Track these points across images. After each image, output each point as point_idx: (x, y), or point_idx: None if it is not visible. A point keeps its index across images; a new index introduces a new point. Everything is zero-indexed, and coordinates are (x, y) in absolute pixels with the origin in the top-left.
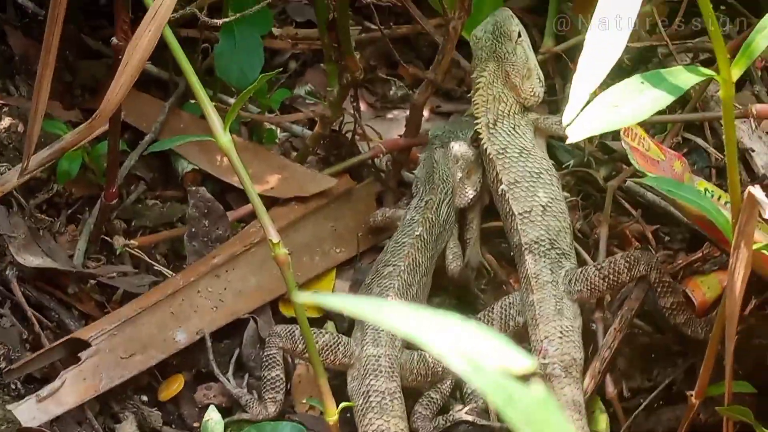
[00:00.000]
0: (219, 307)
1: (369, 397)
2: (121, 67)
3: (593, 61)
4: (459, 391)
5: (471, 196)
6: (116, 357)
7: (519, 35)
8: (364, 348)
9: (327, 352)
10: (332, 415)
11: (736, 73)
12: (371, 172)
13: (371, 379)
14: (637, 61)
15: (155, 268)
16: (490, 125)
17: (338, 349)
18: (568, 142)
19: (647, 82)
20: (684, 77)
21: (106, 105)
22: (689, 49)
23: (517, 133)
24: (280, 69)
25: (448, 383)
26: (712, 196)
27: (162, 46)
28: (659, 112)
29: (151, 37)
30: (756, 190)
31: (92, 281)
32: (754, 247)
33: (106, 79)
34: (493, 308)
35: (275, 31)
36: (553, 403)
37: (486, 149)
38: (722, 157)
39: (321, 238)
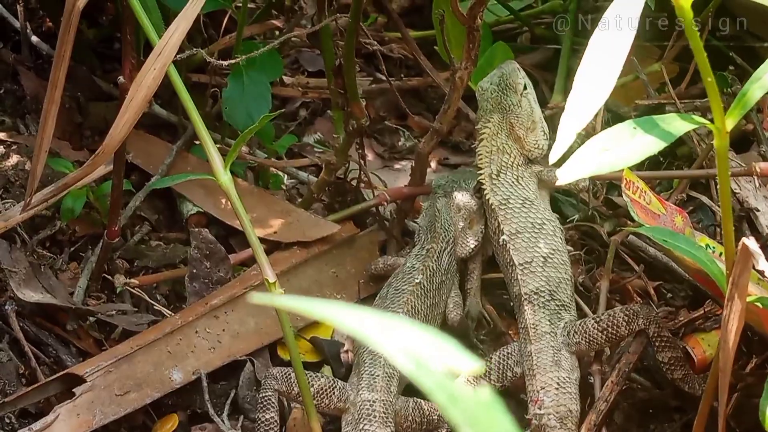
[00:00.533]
0: (216, 348)
1: None
2: (124, 105)
3: (582, 100)
4: None
5: (472, 246)
6: (111, 394)
7: (525, 87)
8: (360, 393)
9: (322, 396)
10: None
11: (730, 123)
12: (375, 221)
13: (365, 424)
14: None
15: (155, 307)
16: (493, 176)
17: (333, 393)
18: (557, 184)
19: (639, 127)
20: (676, 124)
21: (109, 142)
22: (697, 108)
23: (520, 184)
24: (281, 111)
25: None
26: (713, 251)
27: (173, 90)
28: (663, 167)
29: (156, 76)
30: (750, 242)
31: (91, 319)
32: (749, 299)
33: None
34: (491, 358)
35: (286, 79)
36: (499, 406)
37: (488, 200)
38: None
39: (322, 284)
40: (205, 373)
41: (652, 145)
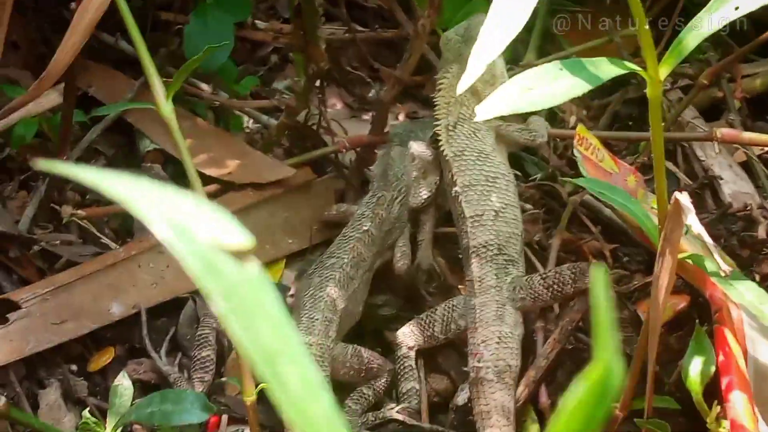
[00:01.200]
0: (159, 284)
1: None
2: (70, 28)
3: (495, 32)
4: (395, 391)
5: (425, 197)
6: (46, 322)
7: None
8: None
9: None
10: (250, 395)
11: (663, 72)
12: (334, 168)
13: None
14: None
15: (102, 241)
16: (450, 127)
17: None
18: (476, 119)
19: (565, 69)
20: (605, 68)
21: (54, 65)
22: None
23: (476, 137)
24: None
25: (382, 381)
26: None
27: (143, 28)
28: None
29: (102, 1)
30: (682, 197)
31: (36, 247)
32: (680, 256)
33: (85, 55)
34: (436, 310)
35: (260, 24)
36: (267, 284)
37: (443, 151)
38: (691, 183)
39: (273, 227)
40: (144, 308)
41: (577, 87)
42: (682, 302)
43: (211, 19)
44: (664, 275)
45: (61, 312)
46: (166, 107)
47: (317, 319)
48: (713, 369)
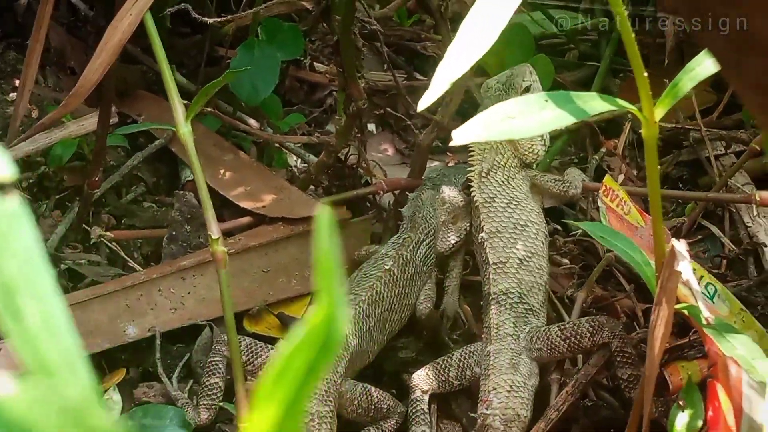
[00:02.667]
0: (178, 310)
1: None
2: (99, 48)
3: (461, 51)
4: None
5: (453, 242)
6: None
7: (527, 89)
8: None
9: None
10: (243, 422)
11: (659, 113)
12: (374, 209)
13: None
14: (669, 142)
15: (129, 264)
16: (483, 174)
17: None
18: (450, 144)
19: (551, 100)
20: (593, 103)
21: (83, 83)
22: (722, 138)
23: (509, 185)
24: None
25: (392, 423)
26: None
27: (198, 62)
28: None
29: (132, 21)
30: (679, 244)
31: (62, 266)
32: (676, 307)
33: (138, 85)
34: (452, 355)
35: (318, 66)
36: (23, 218)
37: (474, 196)
38: (735, 248)
39: (302, 263)
40: (160, 332)
41: (561, 119)
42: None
43: (258, 53)
44: (660, 324)
45: (75, 329)
46: (184, 128)
47: None
48: (700, 423)
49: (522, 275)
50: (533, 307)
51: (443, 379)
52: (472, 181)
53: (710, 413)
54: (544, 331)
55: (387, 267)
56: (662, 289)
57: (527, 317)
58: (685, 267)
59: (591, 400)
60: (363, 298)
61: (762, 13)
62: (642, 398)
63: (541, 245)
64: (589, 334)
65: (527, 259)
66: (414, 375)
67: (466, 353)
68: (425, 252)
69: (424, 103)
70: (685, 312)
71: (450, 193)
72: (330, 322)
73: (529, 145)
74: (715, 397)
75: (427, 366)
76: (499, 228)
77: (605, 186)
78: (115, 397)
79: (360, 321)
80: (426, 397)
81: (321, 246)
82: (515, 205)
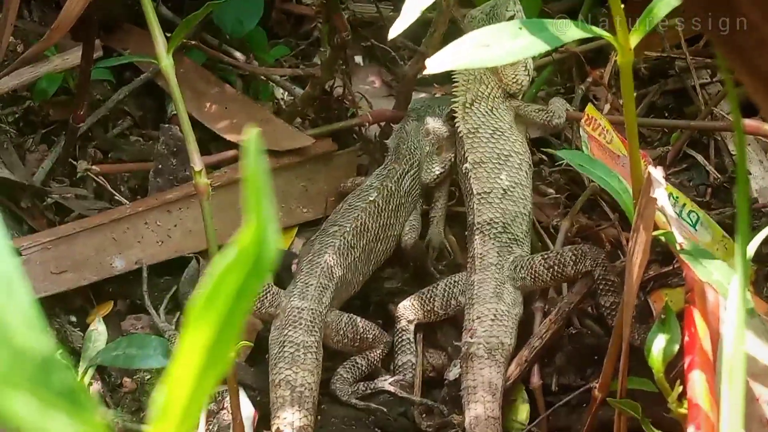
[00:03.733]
0: (165, 242)
1: (284, 347)
2: None
3: None
4: (391, 364)
5: (437, 173)
6: (46, 270)
7: (512, 18)
8: (291, 300)
9: (254, 302)
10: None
11: (634, 40)
12: (360, 141)
13: (289, 330)
14: (655, 71)
15: (116, 198)
16: (467, 105)
17: (266, 298)
18: (425, 72)
19: (526, 28)
20: (569, 31)
21: (65, 16)
22: (708, 66)
23: (493, 114)
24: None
25: (378, 352)
26: (676, 201)
27: None
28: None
29: None
30: (655, 171)
31: (48, 199)
32: (655, 233)
33: (124, 18)
34: (437, 285)
35: None
36: None
37: (458, 127)
38: (719, 176)
39: (289, 195)
40: (147, 264)
41: (535, 46)
42: None
43: None
44: (638, 251)
45: (61, 262)
46: (166, 61)
47: (311, 285)
48: (677, 348)
49: (506, 205)
50: (517, 236)
51: (428, 308)
52: (456, 112)
53: (686, 339)
54: (528, 260)
55: (371, 198)
56: (639, 216)
57: (511, 247)
58: (661, 193)
59: (575, 327)
60: (347, 229)
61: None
62: (621, 324)
63: (525, 175)
64: (572, 263)
65: (511, 189)
66: (399, 305)
67: (450, 283)
68: (410, 183)
69: (394, 31)
70: (662, 238)
71: (434, 123)
72: (260, 243)
73: (513, 75)
74: (691, 322)
75: (413, 296)
76: (483, 158)
77: (587, 115)
78: (100, 328)
79: (345, 252)
80: (411, 327)
81: (249, 167)
82: (499, 135)
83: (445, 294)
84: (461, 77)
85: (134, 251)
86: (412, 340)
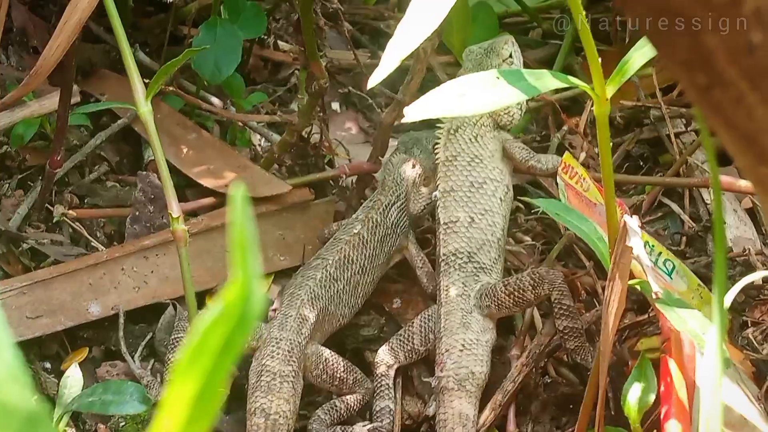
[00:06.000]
0: (141, 288)
1: (261, 376)
2: (58, 27)
3: (411, 28)
4: (369, 412)
5: (424, 204)
6: (21, 315)
7: (510, 56)
8: (270, 331)
9: None
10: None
11: (610, 90)
12: (335, 189)
13: (267, 360)
14: (630, 120)
15: (92, 244)
16: (451, 131)
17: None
18: (403, 120)
19: (503, 77)
20: (545, 81)
21: (43, 62)
22: (682, 115)
23: (477, 142)
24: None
25: (358, 398)
26: (652, 250)
27: (161, 41)
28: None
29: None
30: (631, 220)
31: (24, 245)
32: (630, 282)
33: (102, 64)
34: (413, 323)
35: (282, 45)
36: None
37: (437, 155)
38: (694, 225)
39: (266, 244)
40: (123, 310)
41: (512, 96)
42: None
43: (220, 32)
44: (614, 300)
45: (37, 307)
46: (144, 107)
47: (291, 316)
48: (653, 398)
49: (471, 234)
50: (484, 264)
51: (409, 348)
52: (439, 139)
53: (662, 388)
54: (490, 288)
55: (356, 230)
56: (615, 264)
57: (478, 275)
58: (637, 242)
59: (551, 376)
60: (330, 261)
61: None
62: (595, 375)
63: (498, 202)
64: (531, 287)
65: (479, 216)
66: (379, 351)
67: (425, 318)
68: (397, 214)
69: (374, 80)
70: (638, 287)
71: (420, 155)
72: (245, 298)
73: (506, 107)
74: (667, 372)
75: (390, 340)
76: (454, 186)
77: (564, 163)
78: (76, 374)
79: (327, 284)
80: (391, 372)
81: (236, 221)
82: (476, 163)
83: (422, 329)
84: None
85: (111, 297)
86: (390, 385)
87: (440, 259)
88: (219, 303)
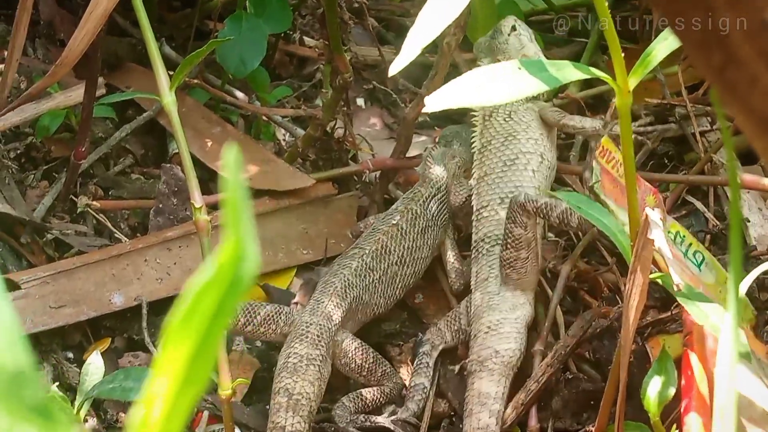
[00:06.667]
0: (164, 279)
1: (288, 358)
2: (84, 18)
3: (432, 18)
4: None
5: (465, 196)
6: (45, 305)
7: (513, 28)
8: (302, 316)
9: (269, 323)
10: (225, 390)
11: (632, 82)
12: (358, 184)
13: (296, 343)
14: (656, 118)
15: (116, 235)
16: (486, 117)
17: (280, 318)
18: (424, 111)
19: (524, 68)
20: (567, 71)
21: (68, 53)
22: (708, 114)
23: (511, 119)
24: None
25: (386, 391)
26: (683, 241)
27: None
28: (667, 171)
29: None
30: (653, 213)
31: (49, 236)
32: (651, 276)
33: (129, 58)
34: (459, 305)
35: (308, 41)
36: None
37: (474, 143)
38: (719, 224)
39: (289, 237)
40: (146, 301)
41: (534, 86)
42: None
43: (245, 26)
44: (635, 293)
45: (60, 296)
46: (168, 98)
47: (322, 302)
48: (673, 391)
49: (502, 215)
50: None
51: (456, 328)
52: (475, 127)
53: (683, 382)
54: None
55: (395, 221)
56: (637, 257)
57: None
58: (658, 235)
59: (572, 372)
60: (367, 251)
61: None
62: (617, 370)
63: (531, 174)
64: (521, 226)
65: (510, 195)
66: (427, 331)
67: (469, 300)
68: (437, 206)
69: (394, 69)
70: (659, 281)
71: (459, 147)
72: (238, 260)
73: None
74: (688, 366)
75: (438, 322)
76: (487, 171)
77: (603, 147)
78: (97, 361)
79: (363, 273)
80: (435, 353)
81: (228, 182)
82: (510, 140)
83: (468, 310)
84: None
85: (133, 288)
86: (430, 365)
87: (472, 247)
88: (212, 265)
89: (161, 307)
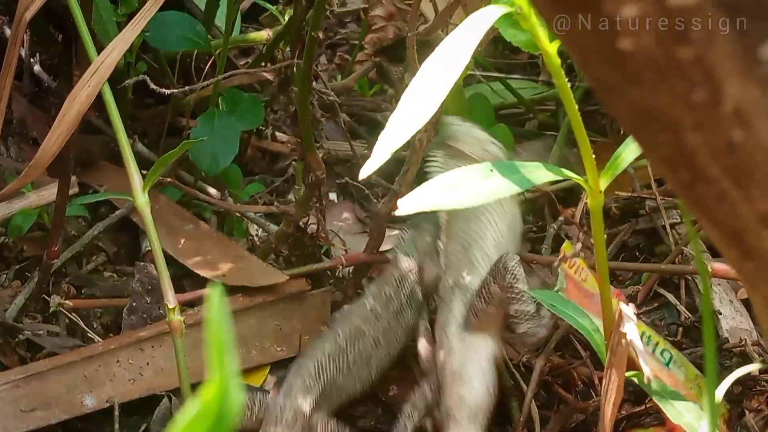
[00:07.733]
0: (137, 380)
1: None
2: (57, 120)
3: (404, 121)
4: None
5: (435, 272)
6: (16, 409)
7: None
8: (275, 399)
9: (245, 410)
10: None
11: (603, 183)
12: (332, 280)
13: (270, 426)
14: (625, 211)
15: (88, 335)
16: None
17: (254, 404)
18: (396, 213)
19: (497, 170)
20: (538, 173)
21: (42, 154)
22: (677, 206)
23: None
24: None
25: None
26: (649, 341)
27: (159, 132)
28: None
29: (90, 93)
30: (626, 308)
31: (21, 336)
32: (627, 374)
33: (101, 155)
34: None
35: (281, 136)
36: None
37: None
38: (691, 316)
39: (262, 334)
40: (119, 403)
41: (505, 188)
42: None
43: (218, 123)
44: (611, 390)
45: (32, 400)
46: (141, 198)
47: (296, 384)
48: None
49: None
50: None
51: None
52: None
53: None
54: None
55: (368, 304)
56: (612, 353)
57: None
58: (631, 328)
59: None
60: (340, 333)
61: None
62: None
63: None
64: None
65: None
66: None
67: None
68: (410, 288)
69: (365, 172)
70: (635, 379)
71: (429, 226)
72: (222, 397)
73: None
74: None
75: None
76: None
77: (564, 252)
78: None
79: (337, 354)
80: (416, 413)
81: (212, 322)
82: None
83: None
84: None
85: (106, 389)
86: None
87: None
88: (196, 403)
89: (133, 408)
